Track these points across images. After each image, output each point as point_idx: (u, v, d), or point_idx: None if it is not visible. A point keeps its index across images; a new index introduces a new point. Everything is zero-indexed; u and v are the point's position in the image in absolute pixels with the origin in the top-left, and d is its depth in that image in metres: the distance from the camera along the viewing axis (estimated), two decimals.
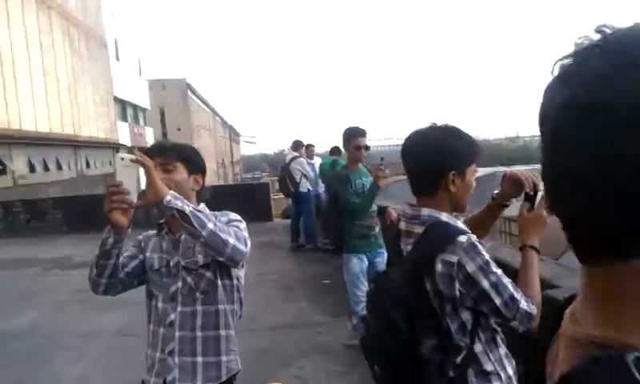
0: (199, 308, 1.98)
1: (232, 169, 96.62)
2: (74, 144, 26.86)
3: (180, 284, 1.98)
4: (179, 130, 50.98)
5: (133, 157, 1.73)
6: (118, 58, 36.98)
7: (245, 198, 12.50)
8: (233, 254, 1.84)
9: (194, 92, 55.15)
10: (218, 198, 13.85)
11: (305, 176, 9.67)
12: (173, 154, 2.00)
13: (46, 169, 23.37)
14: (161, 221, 2.09)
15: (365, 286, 4.63)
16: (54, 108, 24.56)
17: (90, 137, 29.38)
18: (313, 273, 7.98)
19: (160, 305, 2.01)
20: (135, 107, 41.57)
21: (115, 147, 34.63)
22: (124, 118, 37.74)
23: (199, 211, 1.80)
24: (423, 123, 1.78)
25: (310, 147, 10.91)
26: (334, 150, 10.21)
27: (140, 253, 2.08)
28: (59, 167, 24.83)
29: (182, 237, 2.01)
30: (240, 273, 2.08)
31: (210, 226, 1.78)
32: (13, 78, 20.41)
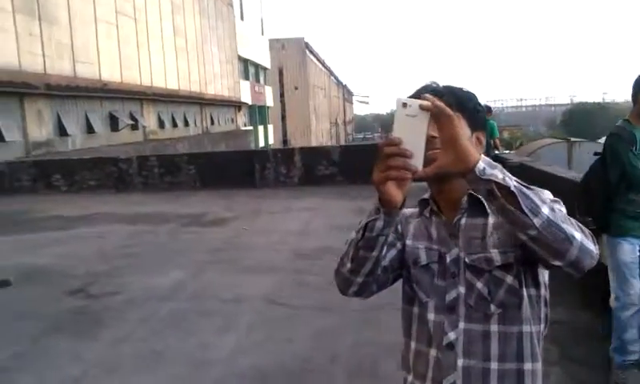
0: (494, 327, 1.30)
1: (344, 128, 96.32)
2: (199, 101, 27.58)
3: (463, 290, 1.32)
4: (296, 88, 51.37)
5: (425, 102, 1.09)
6: (242, 18, 37.47)
7: (371, 159, 11.74)
8: (581, 257, 1.15)
9: (311, 51, 55.17)
10: (345, 158, 13.41)
11: None
12: (452, 102, 1.29)
13: (174, 125, 24.13)
14: (425, 196, 1.45)
15: (638, 282, 3.52)
16: (183, 66, 25.22)
17: (215, 94, 30.08)
18: None
19: (431, 317, 1.35)
20: (257, 66, 42.20)
21: (237, 105, 35.33)
22: (246, 77, 38.47)
23: (527, 187, 1.13)
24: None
25: None
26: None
27: (398, 239, 1.43)
28: (186, 123, 25.58)
29: (463, 220, 1.35)
30: (546, 277, 1.36)
31: (545, 210, 1.11)
32: (146, 38, 21.06)
